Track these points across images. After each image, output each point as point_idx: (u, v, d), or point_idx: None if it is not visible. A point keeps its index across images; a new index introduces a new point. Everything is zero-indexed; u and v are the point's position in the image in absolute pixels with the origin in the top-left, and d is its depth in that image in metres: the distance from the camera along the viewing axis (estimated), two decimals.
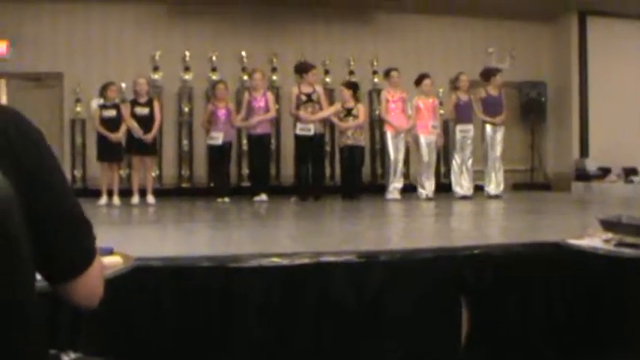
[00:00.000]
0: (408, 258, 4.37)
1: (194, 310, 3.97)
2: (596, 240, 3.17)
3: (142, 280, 3.74)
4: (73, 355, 1.88)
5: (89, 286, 1.59)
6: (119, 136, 10.58)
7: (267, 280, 4.09)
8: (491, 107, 11.59)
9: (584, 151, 14.43)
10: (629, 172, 13.29)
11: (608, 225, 3.14)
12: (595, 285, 4.23)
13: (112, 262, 2.67)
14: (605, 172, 13.68)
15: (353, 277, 4.20)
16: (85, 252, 1.58)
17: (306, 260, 4.20)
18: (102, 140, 10.62)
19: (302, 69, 11.56)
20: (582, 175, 13.84)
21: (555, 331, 4.32)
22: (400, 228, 7.35)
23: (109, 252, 2.75)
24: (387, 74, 11.79)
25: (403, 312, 4.19)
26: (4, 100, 12.74)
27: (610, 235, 3.12)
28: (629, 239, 2.96)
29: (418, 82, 11.56)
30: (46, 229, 1.47)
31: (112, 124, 10.55)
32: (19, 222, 1.33)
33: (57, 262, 1.53)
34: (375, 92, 13.16)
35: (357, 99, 11.68)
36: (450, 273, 4.36)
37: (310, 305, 4.09)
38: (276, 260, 4.16)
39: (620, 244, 3.00)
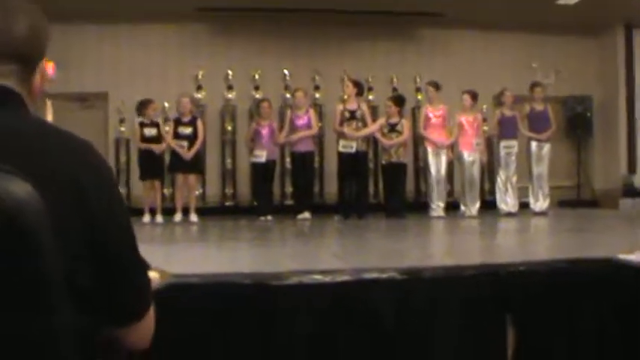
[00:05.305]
0: (452, 275, 4.30)
1: (235, 327, 3.93)
2: None
3: (181, 298, 3.70)
4: None
5: (146, 329, 1.63)
6: (162, 147, 10.65)
7: (309, 297, 4.04)
8: (537, 122, 11.46)
9: (632, 166, 14.17)
10: None
11: None
12: None
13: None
14: None
15: (395, 294, 4.13)
16: (146, 296, 1.62)
17: (348, 277, 4.14)
18: (144, 158, 10.70)
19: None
20: (630, 191, 13.58)
21: (605, 350, 4.20)
22: (444, 245, 7.27)
23: None
24: (425, 90, 11.75)
25: (447, 330, 4.10)
26: (50, 120, 12.89)
27: None
28: None
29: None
30: (112, 272, 1.50)
31: (154, 142, 10.63)
32: (48, 241, 1.29)
33: (121, 305, 1.55)
34: (418, 109, 13.07)
35: (401, 114, 11.62)
36: (495, 290, 4.27)
37: (353, 322, 4.03)
38: (318, 277, 4.11)
39: None
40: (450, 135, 11.37)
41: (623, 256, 3.18)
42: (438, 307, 4.14)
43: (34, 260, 1.24)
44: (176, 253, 6.33)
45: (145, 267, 1.64)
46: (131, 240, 1.58)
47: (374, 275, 4.19)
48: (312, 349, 3.97)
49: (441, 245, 7.29)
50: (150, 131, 10.71)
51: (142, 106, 10.79)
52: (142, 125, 10.77)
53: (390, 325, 4.06)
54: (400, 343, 4.05)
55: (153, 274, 2.86)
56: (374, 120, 11.66)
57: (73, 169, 1.45)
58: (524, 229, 9.10)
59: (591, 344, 4.21)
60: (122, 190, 12.50)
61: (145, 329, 1.63)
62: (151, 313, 1.64)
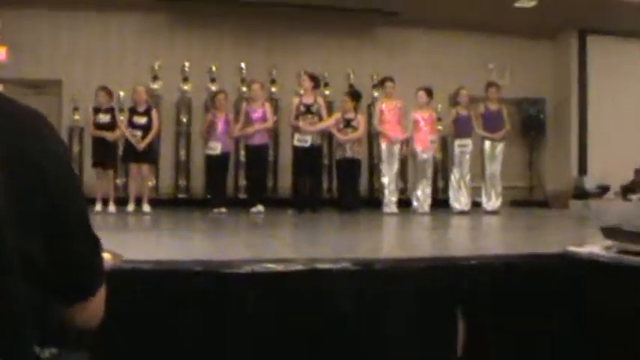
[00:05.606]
0: (404, 266, 4.32)
1: (184, 315, 3.90)
2: (596, 247, 3.12)
3: (131, 284, 3.66)
4: (54, 350, 1.82)
5: (97, 308, 1.61)
6: (116, 135, 10.57)
7: (260, 286, 4.03)
8: (491, 122, 11.54)
9: (582, 168, 14.40)
10: (627, 190, 13.25)
11: (609, 233, 3.09)
12: (596, 294, 4.16)
13: None
14: (603, 190, 13.64)
15: (348, 284, 4.14)
16: (99, 274, 1.60)
17: (300, 267, 4.13)
18: (97, 145, 10.62)
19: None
20: (581, 194, 13.79)
21: (555, 342, 4.25)
22: (397, 239, 7.30)
23: None
24: (381, 84, 11.78)
25: (398, 321, 4.12)
26: None
27: (610, 242, 3.07)
28: (631, 247, 2.91)
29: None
30: (67, 249, 1.47)
31: (107, 129, 10.54)
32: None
33: (75, 282, 1.53)
34: (374, 106, 13.10)
35: (356, 109, 11.65)
36: (446, 283, 4.30)
37: (304, 312, 4.03)
38: (270, 266, 4.09)
39: (621, 251, 2.95)
40: (405, 130, 11.40)
41: (573, 249, 3.22)
42: (390, 297, 4.16)
43: None
44: (128, 241, 6.26)
45: (98, 245, 1.62)
46: (85, 218, 1.56)
47: (327, 265, 4.18)
48: (264, 337, 3.96)
49: (393, 239, 7.33)
50: (104, 117, 10.61)
51: (96, 93, 10.73)
52: (96, 111, 10.68)
53: (343, 314, 4.06)
54: (352, 332, 4.06)
55: (105, 256, 2.84)
56: (330, 115, 11.69)
57: (31, 146, 1.42)
58: (476, 226, 9.18)
59: (540, 336, 4.26)
60: None
61: (95, 308, 1.61)
62: (102, 292, 1.63)
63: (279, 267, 4.10)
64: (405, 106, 11.51)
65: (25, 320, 1.35)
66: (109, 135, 10.52)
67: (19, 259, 1.32)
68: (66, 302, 1.54)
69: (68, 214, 1.47)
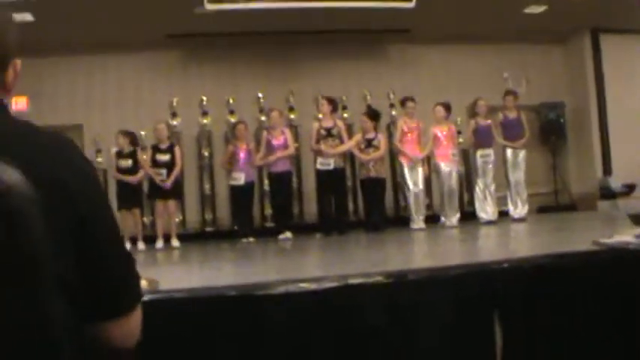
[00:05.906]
0: (437, 275, 4.31)
1: (221, 341, 3.91)
2: (626, 237, 3.12)
3: (167, 313, 3.68)
4: None
5: (131, 327, 1.60)
6: (138, 177, 10.65)
7: (295, 306, 4.03)
8: (511, 130, 11.52)
9: (607, 168, 14.29)
10: None
11: (638, 219, 3.08)
12: (631, 287, 4.14)
13: None
14: (630, 188, 13.52)
15: (382, 297, 4.14)
16: (135, 289, 1.62)
17: (334, 284, 4.14)
18: (121, 188, 10.69)
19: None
20: (607, 194, 13.68)
21: (593, 340, 4.22)
22: (427, 251, 7.29)
23: None
24: (402, 103, 11.79)
25: (435, 329, 4.11)
26: None
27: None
28: None
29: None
30: (100, 266, 1.50)
31: (129, 173, 10.63)
32: (37, 226, 1.29)
33: (109, 297, 1.54)
34: (393, 125, 13.10)
35: (376, 129, 11.66)
36: (480, 288, 4.28)
37: (340, 328, 4.03)
38: (303, 286, 4.10)
39: None
40: (424, 149, 11.41)
41: (603, 240, 3.22)
42: (425, 308, 4.15)
43: (22, 241, 1.25)
44: (161, 274, 6.29)
45: (132, 263, 1.63)
46: (117, 234, 1.59)
47: (360, 280, 4.18)
48: (301, 356, 3.96)
49: (424, 251, 7.32)
50: (125, 162, 10.72)
51: (116, 136, 10.85)
52: (118, 155, 10.78)
53: (379, 328, 4.06)
54: (390, 346, 4.05)
55: (142, 282, 2.87)
56: (350, 136, 11.70)
57: (59, 169, 1.46)
58: (505, 233, 9.16)
59: (578, 336, 4.23)
60: None
61: (132, 327, 1.61)
62: (138, 312, 1.63)
63: (313, 285, 4.10)
64: (425, 124, 11.52)
65: (64, 343, 1.36)
66: (131, 179, 10.62)
67: (55, 280, 1.33)
68: (100, 319, 1.54)
69: (95, 225, 1.49)
